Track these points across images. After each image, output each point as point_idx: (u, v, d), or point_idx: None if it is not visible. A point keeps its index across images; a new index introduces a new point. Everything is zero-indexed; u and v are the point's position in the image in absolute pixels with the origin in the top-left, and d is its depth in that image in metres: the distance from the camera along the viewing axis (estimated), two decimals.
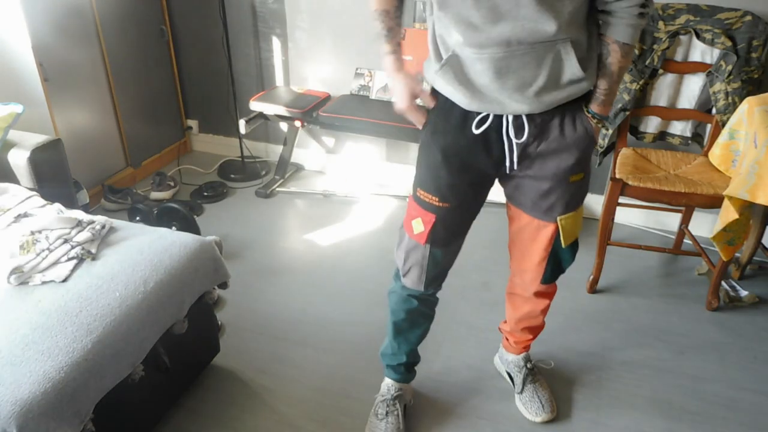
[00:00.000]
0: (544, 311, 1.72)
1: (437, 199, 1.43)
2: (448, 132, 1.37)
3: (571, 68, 1.24)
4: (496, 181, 1.50)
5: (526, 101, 1.27)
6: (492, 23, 1.18)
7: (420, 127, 1.43)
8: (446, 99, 1.35)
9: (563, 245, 1.49)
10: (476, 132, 1.34)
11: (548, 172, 1.38)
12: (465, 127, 1.35)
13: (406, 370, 1.75)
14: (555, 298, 1.70)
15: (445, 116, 1.36)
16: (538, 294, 1.66)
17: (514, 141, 1.33)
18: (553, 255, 1.52)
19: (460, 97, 1.31)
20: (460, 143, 1.37)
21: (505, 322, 1.86)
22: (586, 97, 1.34)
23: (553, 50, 1.22)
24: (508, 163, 1.38)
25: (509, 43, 1.20)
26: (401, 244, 1.54)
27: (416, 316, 1.64)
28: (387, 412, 1.73)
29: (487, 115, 1.32)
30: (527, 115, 1.31)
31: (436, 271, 1.54)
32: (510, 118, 1.31)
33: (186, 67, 3.33)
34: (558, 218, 1.45)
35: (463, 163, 1.39)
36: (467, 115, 1.34)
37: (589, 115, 1.34)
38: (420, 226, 1.47)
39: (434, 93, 1.38)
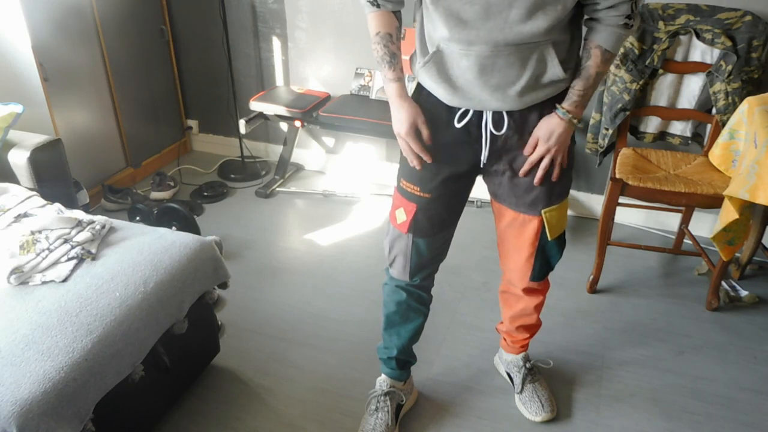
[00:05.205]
0: (538, 308, 1.73)
1: (418, 189, 1.46)
2: (431, 124, 1.40)
3: (554, 69, 1.28)
4: (480, 180, 1.53)
5: (506, 99, 1.31)
6: (482, 20, 1.21)
7: (414, 163, 1.42)
8: (429, 93, 1.38)
9: (549, 238, 1.51)
10: (458, 126, 1.38)
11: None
12: (447, 121, 1.39)
13: (397, 366, 1.75)
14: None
15: (428, 109, 1.40)
16: (529, 291, 1.67)
17: (495, 133, 1.37)
18: (541, 250, 1.54)
19: (442, 93, 1.35)
20: (441, 136, 1.40)
21: (502, 322, 1.86)
22: (562, 95, 1.36)
23: (536, 51, 1.25)
24: (482, 157, 1.41)
25: (497, 43, 1.22)
26: (387, 234, 1.59)
27: (406, 310, 1.66)
28: (377, 408, 1.74)
29: (468, 110, 1.36)
30: (507, 111, 1.34)
31: (421, 261, 1.56)
32: (490, 114, 1.35)
33: (186, 67, 3.33)
34: (542, 211, 1.47)
35: (444, 155, 1.42)
36: (449, 110, 1.37)
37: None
38: (402, 216, 1.50)
39: (419, 86, 1.41)
